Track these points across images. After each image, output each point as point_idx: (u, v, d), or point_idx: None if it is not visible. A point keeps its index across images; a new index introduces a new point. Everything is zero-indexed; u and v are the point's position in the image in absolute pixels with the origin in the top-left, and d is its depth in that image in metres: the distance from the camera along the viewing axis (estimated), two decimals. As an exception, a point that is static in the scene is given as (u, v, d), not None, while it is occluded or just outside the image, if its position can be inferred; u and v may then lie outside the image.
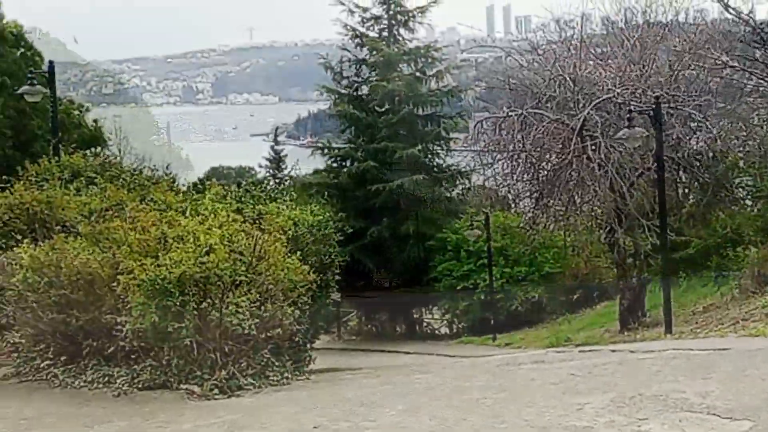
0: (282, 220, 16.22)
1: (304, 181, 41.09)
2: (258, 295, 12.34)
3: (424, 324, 40.36)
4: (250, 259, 12.84)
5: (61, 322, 12.16)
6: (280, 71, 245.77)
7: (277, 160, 58.10)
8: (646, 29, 21.89)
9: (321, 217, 17.81)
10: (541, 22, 23.57)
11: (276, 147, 59.06)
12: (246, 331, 11.71)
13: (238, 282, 11.99)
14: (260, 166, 58.86)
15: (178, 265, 11.44)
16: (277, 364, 13.13)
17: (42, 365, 12.54)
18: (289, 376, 13.14)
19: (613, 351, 13.58)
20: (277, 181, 49.67)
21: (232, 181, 50.30)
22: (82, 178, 17.48)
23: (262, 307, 12.30)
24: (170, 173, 52.19)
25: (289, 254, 13.94)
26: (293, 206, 18.04)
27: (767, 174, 22.27)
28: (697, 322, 18.57)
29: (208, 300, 11.46)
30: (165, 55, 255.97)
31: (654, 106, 17.71)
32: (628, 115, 17.57)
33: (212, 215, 14.52)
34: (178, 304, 11.25)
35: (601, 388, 8.59)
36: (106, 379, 11.76)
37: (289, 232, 15.85)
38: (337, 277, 18.92)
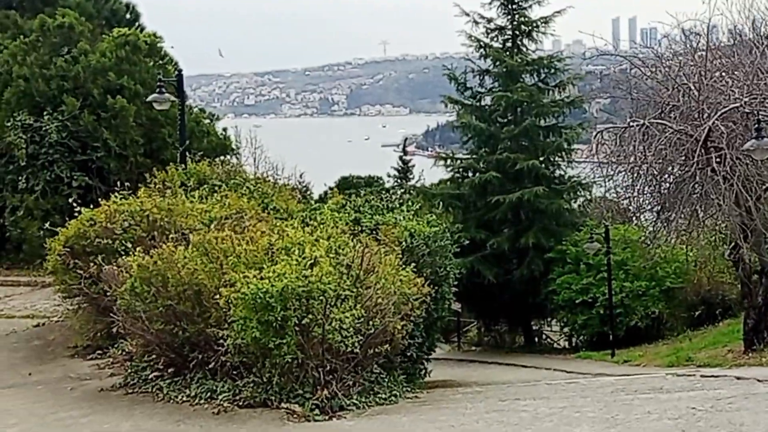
0: (398, 231, 16.00)
1: (427, 191, 40.35)
2: (364, 311, 11.66)
3: (543, 337, 39.40)
4: (357, 272, 12.20)
5: (168, 333, 11.82)
6: (411, 83, 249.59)
7: (404, 171, 58.29)
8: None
9: (437, 229, 17.52)
10: (666, 32, 22.14)
11: (404, 157, 59.36)
12: (349, 349, 11.06)
13: (343, 297, 11.26)
14: (389, 176, 58.46)
15: (280, 279, 10.76)
16: (386, 379, 12.79)
17: (150, 377, 12.29)
18: (398, 393, 12.75)
19: (738, 378, 12.34)
20: (402, 191, 48.53)
21: (361, 189, 50.40)
22: (206, 186, 17.47)
23: (370, 323, 11.74)
24: (303, 182, 52.44)
25: (403, 266, 13.55)
26: (410, 217, 17.76)
27: None
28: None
29: (310, 315, 10.79)
30: (303, 68, 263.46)
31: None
32: (756, 125, 16.23)
33: (321, 226, 13.93)
34: (279, 319, 10.62)
35: (725, 427, 7.73)
36: (209, 394, 11.37)
37: (404, 243, 15.67)
38: (453, 290, 18.81)
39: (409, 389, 13.66)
